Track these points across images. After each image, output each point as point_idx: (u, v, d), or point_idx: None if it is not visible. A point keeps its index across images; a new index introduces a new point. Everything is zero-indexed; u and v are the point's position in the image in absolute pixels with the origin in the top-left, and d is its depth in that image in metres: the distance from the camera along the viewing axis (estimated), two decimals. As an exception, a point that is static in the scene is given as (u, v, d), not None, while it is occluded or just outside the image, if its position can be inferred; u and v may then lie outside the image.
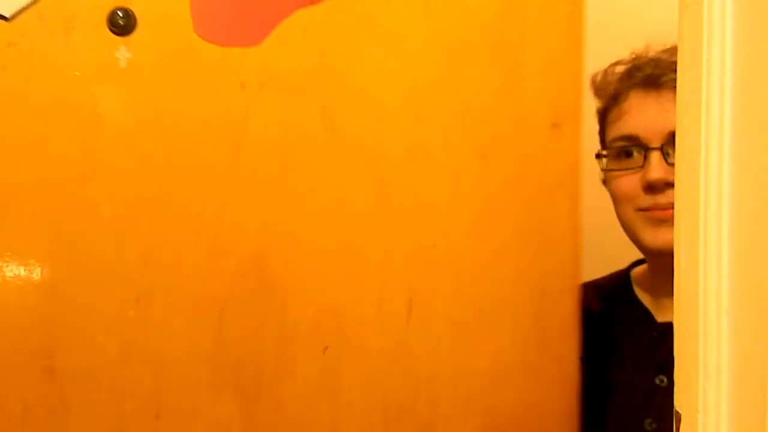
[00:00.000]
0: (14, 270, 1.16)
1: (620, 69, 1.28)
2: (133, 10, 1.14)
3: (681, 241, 0.58)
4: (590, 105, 1.31)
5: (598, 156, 1.33)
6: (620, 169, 1.27)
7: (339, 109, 1.20)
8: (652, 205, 1.21)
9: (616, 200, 1.29)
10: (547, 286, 1.28)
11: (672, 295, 1.05)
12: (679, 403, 0.59)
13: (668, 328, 1.10)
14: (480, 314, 1.27)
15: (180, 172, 1.17)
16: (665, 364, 1.04)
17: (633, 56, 1.28)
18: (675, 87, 1.01)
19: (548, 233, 1.28)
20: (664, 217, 1.19)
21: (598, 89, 1.33)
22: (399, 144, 1.22)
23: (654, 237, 1.22)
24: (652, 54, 1.25)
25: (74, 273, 1.17)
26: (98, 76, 1.15)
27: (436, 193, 1.23)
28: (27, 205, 1.15)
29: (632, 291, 1.37)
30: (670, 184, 1.15)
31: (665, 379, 1.25)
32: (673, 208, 1.09)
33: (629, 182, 1.24)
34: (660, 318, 1.30)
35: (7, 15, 1.12)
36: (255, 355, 1.21)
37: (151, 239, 1.17)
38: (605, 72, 1.31)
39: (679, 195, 0.58)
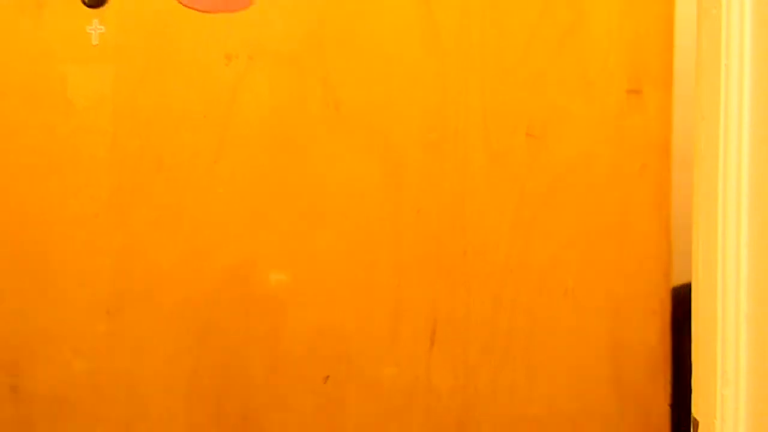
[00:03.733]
0: None
1: None
2: None
3: (699, 246, 0.50)
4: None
5: None
6: None
7: (344, 81, 0.80)
8: None
9: None
10: (626, 306, 0.78)
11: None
12: (697, 409, 0.51)
13: None
14: (529, 343, 0.79)
15: (156, 164, 0.82)
16: None
17: None
18: None
19: (625, 235, 0.78)
20: None
21: None
22: (419, 122, 0.80)
23: None
24: None
25: (39, 280, 0.85)
26: (68, 55, 0.84)
27: (467, 184, 0.79)
28: None
29: None
30: None
31: None
32: None
33: None
34: None
35: None
36: (241, 381, 0.82)
37: (124, 241, 0.83)
38: None
39: (698, 200, 0.50)
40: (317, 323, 0.81)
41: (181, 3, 0.83)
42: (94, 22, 0.84)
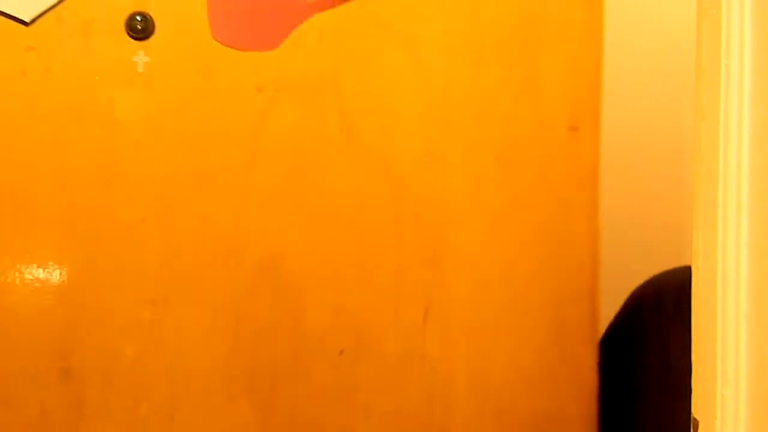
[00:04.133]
0: (31, 272, 0.97)
1: None
2: (151, 14, 0.96)
3: (699, 245, 0.50)
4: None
5: None
6: None
7: (355, 112, 0.99)
8: None
9: None
10: (565, 291, 1.04)
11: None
12: (697, 409, 0.51)
13: None
14: (496, 320, 1.03)
15: (196, 176, 0.97)
16: None
17: None
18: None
19: (566, 237, 1.04)
20: None
21: None
22: (414, 147, 1.01)
23: None
24: None
25: (91, 275, 0.97)
26: (116, 80, 0.96)
27: (451, 197, 1.01)
28: (45, 208, 0.96)
29: None
30: None
31: None
32: None
33: None
34: None
35: (26, 19, 0.95)
36: (270, 358, 0.99)
37: (167, 242, 0.97)
38: None
39: (698, 200, 0.50)
40: (333, 307, 1.01)
41: (218, 41, 1.00)
42: (140, 53, 0.98)
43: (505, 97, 1.01)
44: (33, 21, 0.94)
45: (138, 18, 0.95)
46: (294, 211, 0.97)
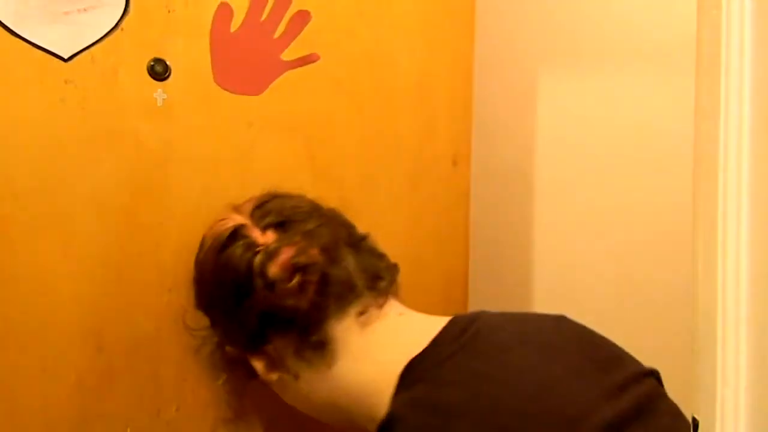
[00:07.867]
0: (71, 266, 1.13)
1: None
2: (168, 61, 1.18)
3: (699, 248, 0.47)
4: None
5: None
6: None
7: (317, 144, 1.29)
8: None
9: None
10: (451, 274, 1.45)
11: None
12: (697, 409, 0.48)
13: None
14: (407, 294, 1.40)
15: (203, 189, 1.20)
16: None
17: None
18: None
19: (451, 237, 1.45)
20: None
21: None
22: (356, 172, 1.33)
23: None
24: None
25: (119, 268, 1.15)
26: (140, 111, 1.16)
27: (378, 209, 1.35)
28: (82, 213, 1.12)
29: None
30: None
31: None
32: None
33: None
34: None
35: (64, 56, 1.12)
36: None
37: (180, 241, 1.17)
38: None
39: (698, 200, 0.47)
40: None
41: (219, 85, 1.26)
42: (159, 91, 1.21)
43: (414, 138, 1.38)
44: (70, 58, 1.11)
45: (157, 63, 1.17)
46: (274, 217, 1.24)
